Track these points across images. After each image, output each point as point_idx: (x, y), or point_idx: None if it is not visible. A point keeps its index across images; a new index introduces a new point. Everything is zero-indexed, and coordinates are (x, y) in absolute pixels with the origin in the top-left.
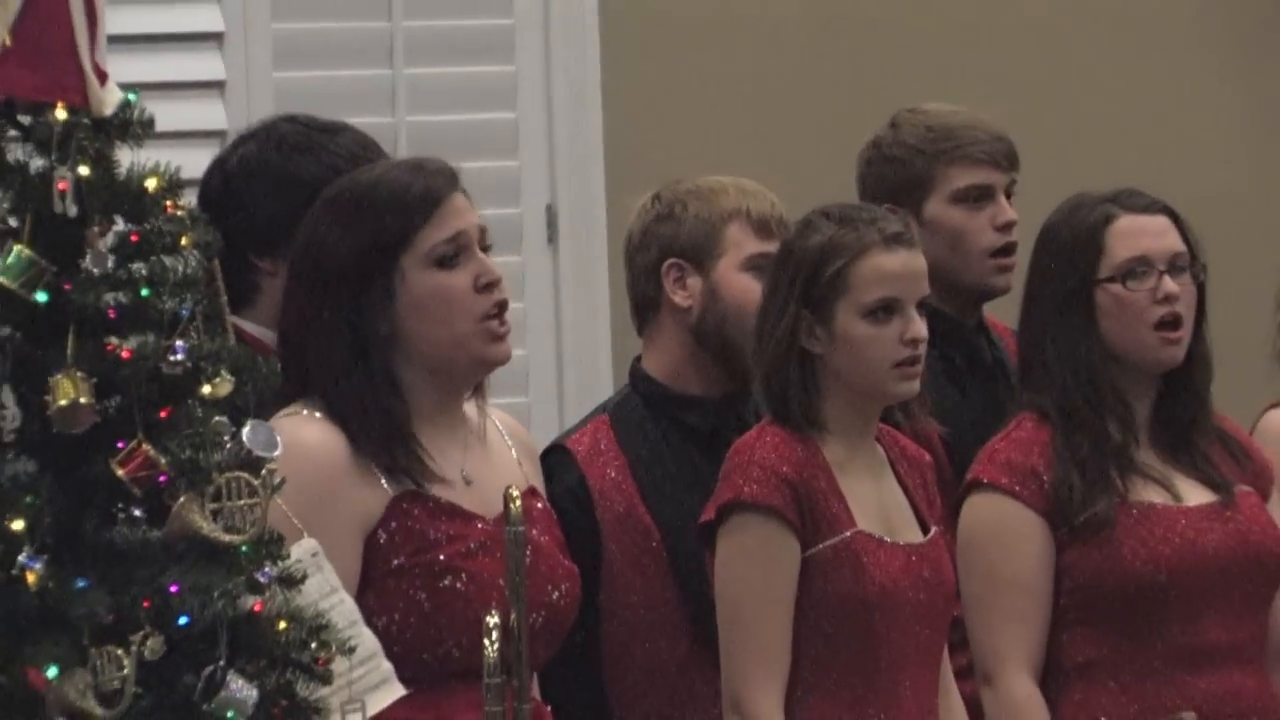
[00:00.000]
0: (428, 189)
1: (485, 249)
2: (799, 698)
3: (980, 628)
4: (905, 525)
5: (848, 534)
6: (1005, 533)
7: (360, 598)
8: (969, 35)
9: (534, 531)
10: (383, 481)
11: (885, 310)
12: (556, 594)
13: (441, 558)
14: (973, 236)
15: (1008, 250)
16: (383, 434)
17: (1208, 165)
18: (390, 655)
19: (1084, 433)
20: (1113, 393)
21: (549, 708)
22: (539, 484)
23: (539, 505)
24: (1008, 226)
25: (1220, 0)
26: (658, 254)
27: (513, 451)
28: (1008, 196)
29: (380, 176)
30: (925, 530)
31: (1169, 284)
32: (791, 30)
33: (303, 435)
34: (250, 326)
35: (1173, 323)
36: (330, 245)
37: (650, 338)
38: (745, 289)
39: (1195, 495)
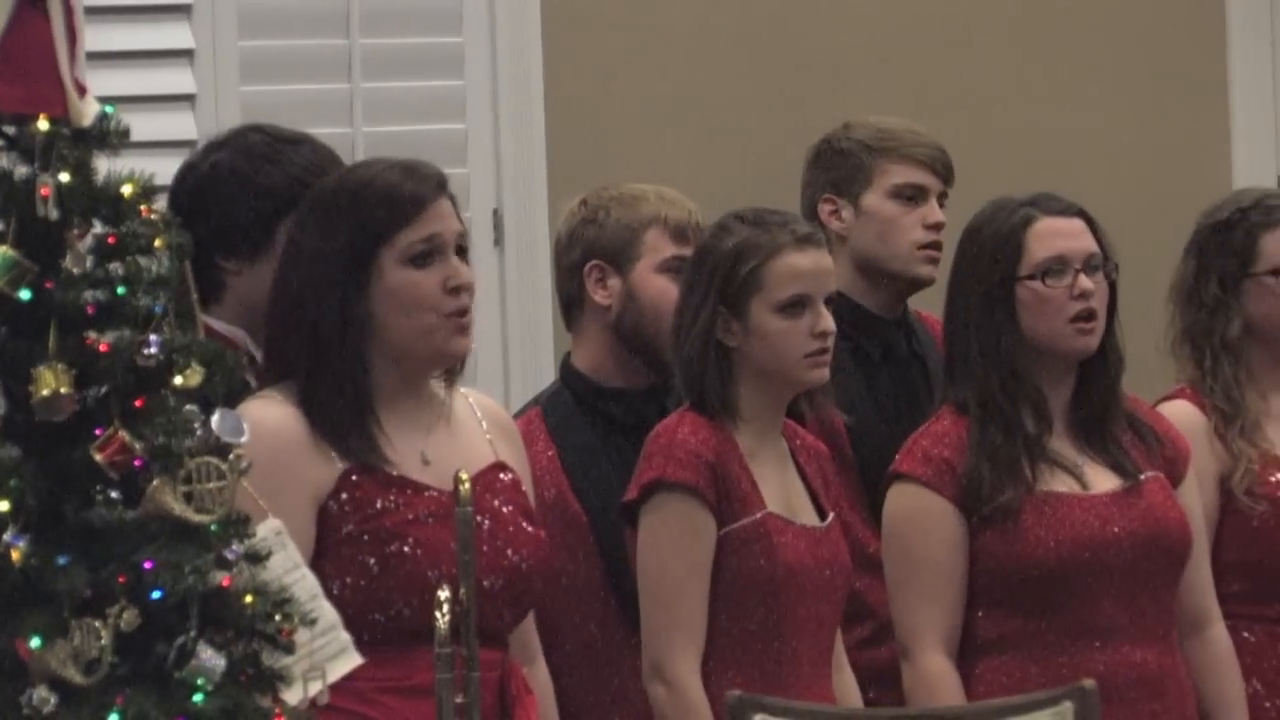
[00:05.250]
0: (415, 192)
1: (462, 251)
2: (711, 667)
3: (900, 608)
4: (805, 510)
5: (759, 515)
6: (922, 520)
7: (315, 565)
8: (894, 50)
9: (495, 502)
10: (334, 456)
11: (797, 305)
12: (517, 557)
13: (388, 524)
14: (903, 230)
15: (934, 245)
16: (343, 410)
17: (1106, 174)
18: (345, 618)
19: (998, 424)
20: (1030, 383)
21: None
22: (513, 456)
23: (504, 477)
24: (936, 227)
25: (1119, 11)
26: (581, 255)
27: (484, 424)
28: (940, 205)
29: (374, 175)
30: (823, 516)
31: (1084, 281)
32: (724, 48)
33: (261, 415)
34: (217, 324)
35: (1088, 317)
36: (319, 234)
37: (577, 334)
38: (661, 290)
39: (1103, 482)
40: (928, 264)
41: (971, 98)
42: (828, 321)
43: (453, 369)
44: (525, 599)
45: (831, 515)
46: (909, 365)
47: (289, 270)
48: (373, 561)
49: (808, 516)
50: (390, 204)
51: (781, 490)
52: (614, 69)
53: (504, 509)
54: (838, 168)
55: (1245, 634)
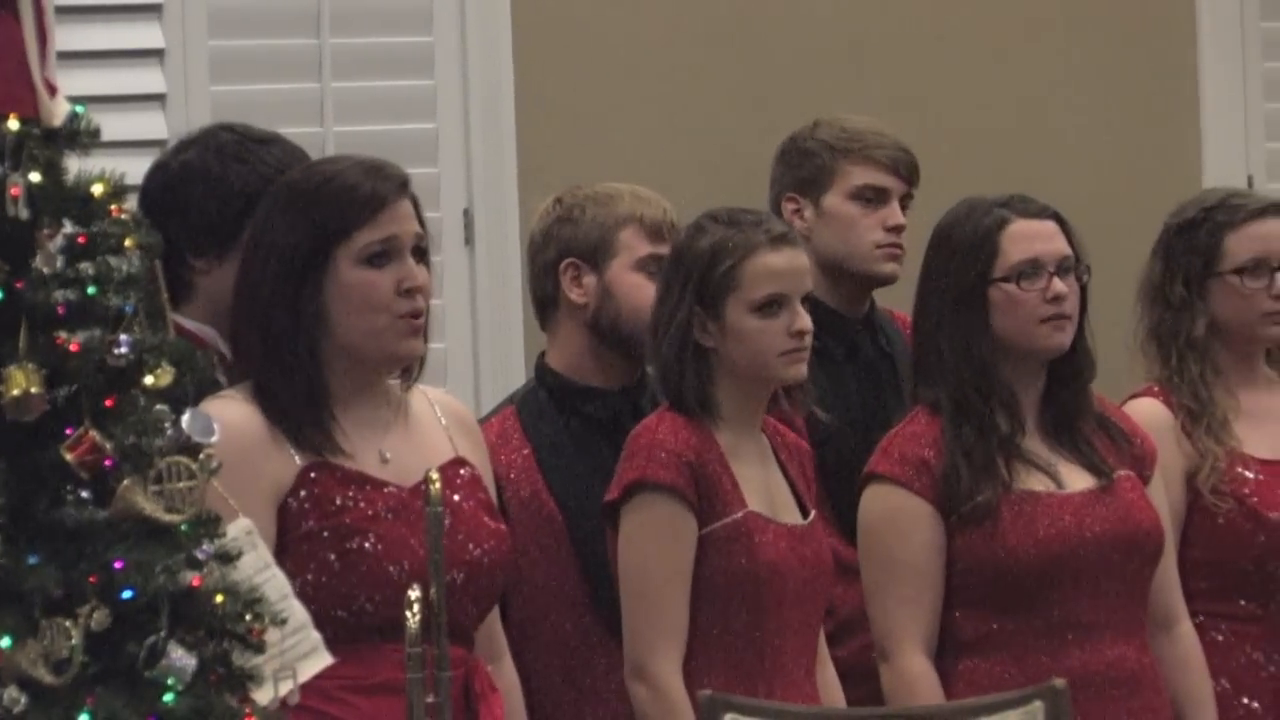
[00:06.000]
0: (374, 192)
1: (421, 254)
2: (693, 667)
3: (878, 609)
4: (787, 508)
5: (740, 514)
6: (899, 521)
7: (276, 562)
8: (865, 51)
9: (455, 497)
10: (293, 453)
11: (773, 305)
12: (479, 551)
13: (348, 520)
14: (862, 231)
15: (894, 245)
16: (298, 406)
17: (1078, 175)
18: (308, 614)
19: (972, 424)
20: (1002, 384)
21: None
22: (473, 451)
23: (463, 472)
24: (896, 229)
25: (1090, 14)
26: (556, 254)
27: (442, 420)
28: (903, 207)
29: (338, 172)
30: (805, 513)
31: (1058, 284)
32: (695, 47)
33: (220, 414)
34: (187, 322)
35: (1060, 318)
36: (279, 228)
37: (552, 333)
38: (637, 287)
39: (1077, 480)
40: (889, 261)
41: (942, 99)
42: (804, 320)
43: (409, 369)
44: (489, 593)
45: (814, 513)
46: (875, 364)
47: (249, 264)
48: (333, 558)
49: (790, 514)
50: (350, 202)
51: (763, 488)
52: (584, 68)
53: (464, 504)
54: (801, 167)
55: (1213, 634)
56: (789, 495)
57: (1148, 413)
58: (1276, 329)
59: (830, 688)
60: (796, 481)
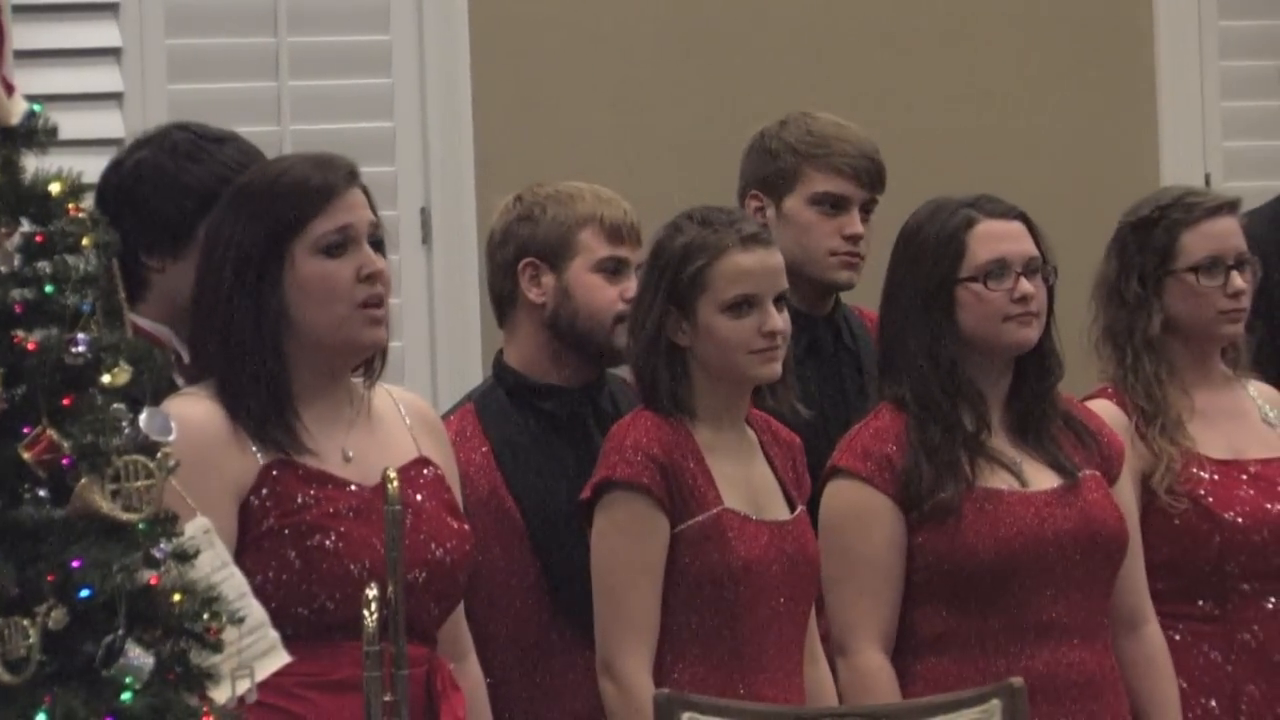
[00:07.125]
0: (325, 183)
1: (376, 243)
2: (669, 664)
3: (837, 603)
4: (772, 503)
5: (714, 511)
6: (860, 516)
7: (237, 561)
8: (825, 49)
9: (418, 497)
10: (255, 451)
11: (743, 305)
12: (440, 551)
13: (309, 518)
14: (819, 238)
15: (851, 253)
16: (262, 403)
17: (1035, 174)
18: (269, 612)
19: (937, 421)
20: (968, 382)
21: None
22: (437, 451)
23: (426, 472)
24: (853, 238)
25: (1048, 12)
26: (515, 252)
27: (406, 420)
28: (866, 213)
29: (287, 168)
30: (792, 508)
31: (1025, 285)
32: (652, 46)
33: (182, 411)
34: (143, 321)
35: (1026, 316)
36: (235, 228)
37: (510, 331)
38: (595, 287)
39: (1042, 479)
40: (844, 269)
41: (902, 97)
42: (775, 320)
43: (371, 363)
44: (450, 592)
45: (801, 507)
46: (836, 361)
47: (206, 265)
48: (294, 555)
49: (776, 510)
50: (301, 194)
51: (744, 484)
52: (542, 66)
53: (427, 504)
54: (765, 166)
55: (1171, 634)
56: (776, 490)
57: (1102, 414)
58: (1231, 327)
59: (820, 684)
60: (785, 476)
